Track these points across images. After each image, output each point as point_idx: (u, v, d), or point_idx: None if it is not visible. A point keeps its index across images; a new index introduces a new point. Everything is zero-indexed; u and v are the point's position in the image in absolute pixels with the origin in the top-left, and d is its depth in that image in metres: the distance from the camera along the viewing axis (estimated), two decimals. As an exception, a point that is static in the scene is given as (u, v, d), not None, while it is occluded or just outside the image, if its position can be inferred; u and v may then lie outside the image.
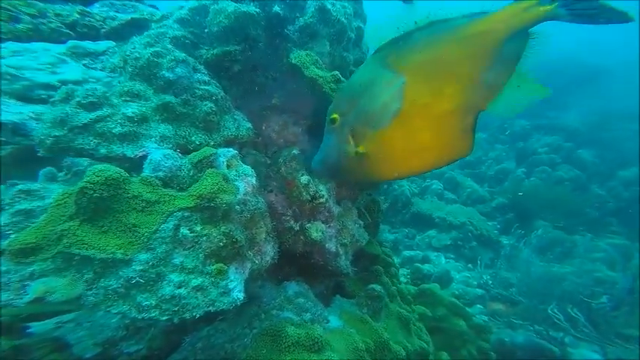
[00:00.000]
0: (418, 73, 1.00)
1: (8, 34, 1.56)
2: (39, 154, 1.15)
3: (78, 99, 1.17)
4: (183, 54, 1.34)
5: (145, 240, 0.95)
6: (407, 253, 5.11)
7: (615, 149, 7.85)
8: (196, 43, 1.53)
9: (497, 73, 0.97)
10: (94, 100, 1.17)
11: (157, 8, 1.77)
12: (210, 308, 0.98)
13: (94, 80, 1.43)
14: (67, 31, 1.72)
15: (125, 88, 1.22)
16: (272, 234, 1.42)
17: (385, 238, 5.76)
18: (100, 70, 1.34)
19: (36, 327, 1.23)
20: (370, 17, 2.29)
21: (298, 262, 1.80)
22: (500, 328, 4.00)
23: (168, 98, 1.23)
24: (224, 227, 1.09)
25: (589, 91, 11.33)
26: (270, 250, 1.33)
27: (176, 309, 0.92)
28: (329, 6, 1.65)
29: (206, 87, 1.33)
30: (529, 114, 8.96)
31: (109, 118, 1.16)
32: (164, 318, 0.90)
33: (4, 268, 0.86)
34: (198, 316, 0.95)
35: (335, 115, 1.21)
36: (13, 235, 0.92)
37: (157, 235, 0.98)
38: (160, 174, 1.08)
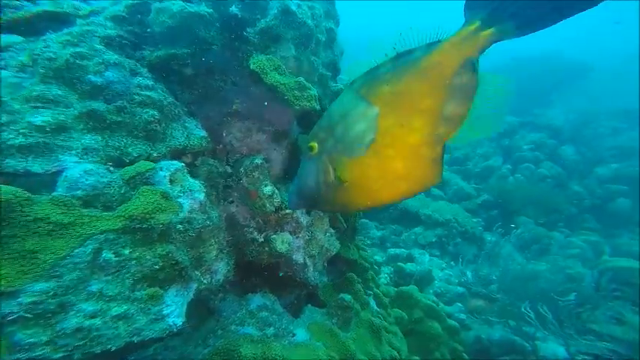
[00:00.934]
0: (388, 104, 1.03)
1: None
2: None
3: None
4: (116, 56, 1.22)
5: (47, 267, 0.86)
6: (392, 251, 5.12)
7: (594, 146, 7.99)
8: (137, 44, 1.40)
9: (457, 104, 1.00)
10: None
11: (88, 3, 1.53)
12: (134, 339, 0.92)
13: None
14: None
15: (34, 93, 1.07)
16: (226, 250, 1.36)
17: (372, 234, 5.77)
18: (3, 68, 1.12)
19: None
20: (345, 18, 2.20)
21: (265, 274, 1.75)
22: (480, 325, 4.07)
23: (96, 105, 1.13)
24: (161, 249, 1.02)
25: (574, 89, 11.47)
26: (222, 268, 1.28)
27: (81, 343, 0.85)
28: (293, 7, 1.56)
29: (148, 92, 1.23)
30: (517, 110, 9.01)
31: (4, 127, 1.01)
32: (57, 355, 0.82)
33: None
34: (114, 349, 0.88)
35: (313, 144, 1.18)
36: None
37: (68, 260, 0.90)
38: (79, 193, 0.98)
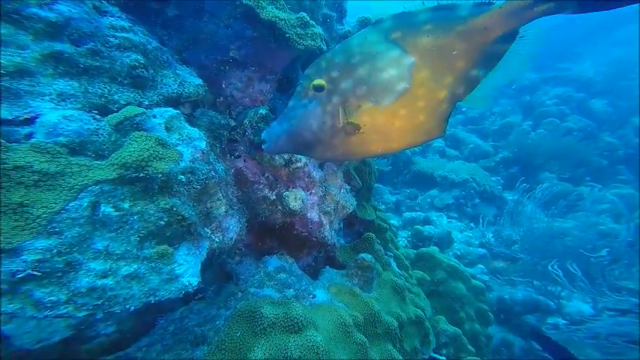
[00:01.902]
0: (426, 57, 0.99)
1: None
2: None
3: None
4: None
5: (43, 223, 0.77)
6: (408, 214, 4.99)
7: (631, 97, 7.37)
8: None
9: (481, 69, 1.01)
10: None
11: None
12: (151, 299, 0.84)
13: None
14: None
15: None
16: (237, 206, 1.24)
17: (387, 199, 5.64)
18: None
19: None
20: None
21: (280, 234, 1.65)
22: (501, 285, 3.98)
23: (59, 46, 0.95)
24: (164, 202, 0.91)
25: (608, 39, 10.48)
26: (234, 225, 1.17)
27: (99, 302, 0.77)
28: None
29: (125, 34, 1.07)
30: (538, 67, 8.40)
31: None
32: (81, 314, 0.75)
33: None
34: (133, 308, 0.80)
35: (321, 81, 1.03)
36: None
37: (64, 215, 0.80)
38: (61, 139, 0.86)
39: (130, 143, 0.91)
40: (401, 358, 1.48)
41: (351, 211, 1.78)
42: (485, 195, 5.58)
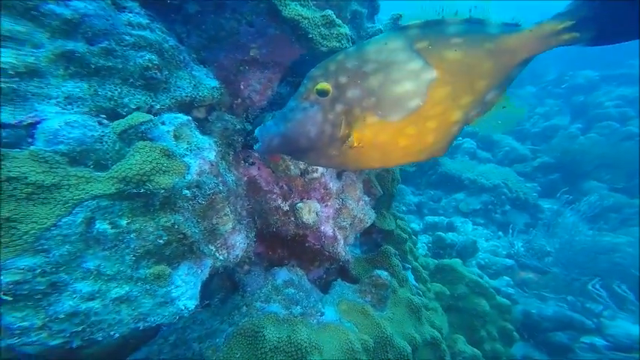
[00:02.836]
0: (449, 73, 0.91)
1: None
2: None
3: None
4: None
5: (30, 240, 0.73)
6: (430, 219, 4.78)
7: None
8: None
9: (497, 93, 0.96)
10: None
11: None
12: (140, 325, 0.79)
13: None
14: None
15: None
16: (246, 220, 1.18)
17: (408, 200, 5.42)
18: None
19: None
20: None
21: (291, 245, 1.58)
22: (528, 298, 3.72)
23: (72, 45, 0.90)
24: (164, 219, 0.86)
25: None
26: (240, 242, 1.11)
27: (79, 329, 0.73)
28: None
29: (141, 32, 1.00)
30: (599, 64, 7.59)
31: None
32: (55, 342, 0.71)
33: None
34: (118, 335, 0.76)
35: (326, 86, 0.93)
36: None
37: (55, 232, 0.76)
38: (62, 147, 0.81)
39: (132, 154, 0.85)
40: (411, 389, 1.39)
41: (369, 225, 1.67)
42: (517, 202, 5.22)
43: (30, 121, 0.85)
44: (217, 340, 1.17)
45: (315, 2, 1.27)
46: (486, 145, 6.63)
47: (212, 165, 1.01)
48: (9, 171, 0.75)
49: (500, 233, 4.87)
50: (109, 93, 0.95)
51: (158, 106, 1.06)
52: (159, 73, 1.03)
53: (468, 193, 5.47)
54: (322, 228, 1.47)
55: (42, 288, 0.76)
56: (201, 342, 1.17)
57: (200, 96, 1.13)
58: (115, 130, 0.88)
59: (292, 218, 1.44)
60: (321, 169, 1.44)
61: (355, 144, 0.94)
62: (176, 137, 0.99)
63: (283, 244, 1.59)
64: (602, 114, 6.64)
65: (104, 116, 0.96)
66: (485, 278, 3.75)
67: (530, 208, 5.31)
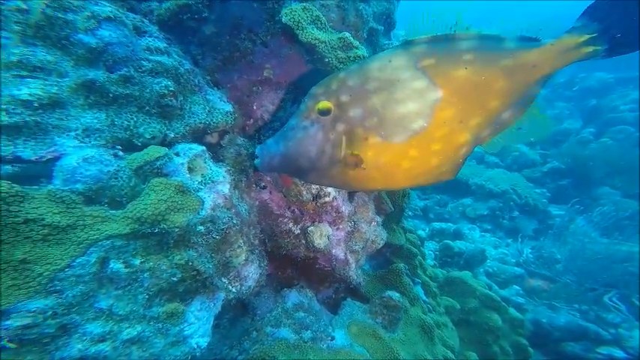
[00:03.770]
0: (457, 92, 0.85)
1: None
2: None
3: None
4: (109, 7, 0.94)
5: (44, 281, 0.72)
6: (437, 225, 4.73)
7: None
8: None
9: (513, 113, 0.90)
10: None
11: None
12: None
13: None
14: None
15: (13, 57, 0.82)
16: (258, 249, 1.16)
17: (414, 205, 5.38)
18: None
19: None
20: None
21: (302, 266, 1.56)
22: (538, 306, 3.66)
23: (93, 74, 0.89)
24: (178, 257, 0.84)
25: None
26: (253, 273, 1.09)
27: None
28: None
29: (159, 57, 0.98)
30: (611, 66, 7.39)
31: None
32: None
33: None
34: None
35: (328, 104, 0.90)
36: None
37: (69, 272, 0.74)
38: (79, 186, 0.80)
39: (147, 193, 0.83)
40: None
41: (381, 246, 1.65)
42: (526, 208, 5.14)
43: (49, 157, 0.84)
44: (228, 370, 1.16)
45: (331, 25, 1.23)
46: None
47: (226, 198, 0.99)
48: (27, 213, 0.73)
49: (509, 240, 4.81)
50: (125, 122, 0.93)
51: (172, 135, 1.04)
52: (174, 100, 1.01)
53: (475, 198, 5.41)
54: (334, 251, 1.45)
55: (51, 331, 0.74)
56: (211, 372, 1.16)
57: (214, 122, 1.11)
58: (130, 165, 0.86)
59: (303, 241, 1.42)
60: (333, 193, 1.41)
61: (357, 164, 0.90)
62: (190, 170, 0.97)
63: (293, 264, 1.57)
64: (617, 118, 6.48)
65: (119, 147, 0.94)
66: (495, 287, 3.70)
67: (539, 214, 5.23)
